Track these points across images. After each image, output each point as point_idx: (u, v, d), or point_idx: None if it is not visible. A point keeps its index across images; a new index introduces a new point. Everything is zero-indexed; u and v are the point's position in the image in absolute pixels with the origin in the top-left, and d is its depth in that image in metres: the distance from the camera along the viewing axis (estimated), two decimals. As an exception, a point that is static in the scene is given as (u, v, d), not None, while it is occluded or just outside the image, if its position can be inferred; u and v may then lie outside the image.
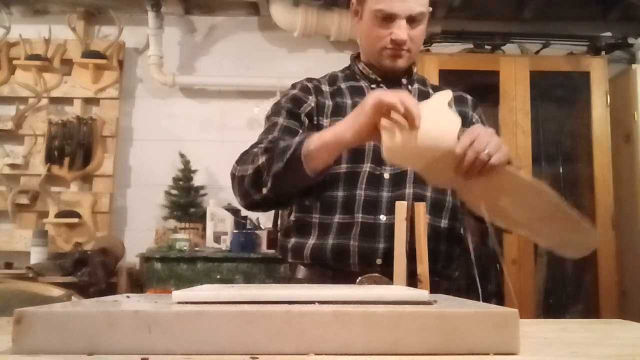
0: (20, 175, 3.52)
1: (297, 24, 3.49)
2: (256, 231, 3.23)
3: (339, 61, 1.56)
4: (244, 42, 3.75)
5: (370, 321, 0.58)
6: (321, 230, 1.25)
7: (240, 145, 1.27)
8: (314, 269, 1.26)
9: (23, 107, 3.54)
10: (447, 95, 1.05)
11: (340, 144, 1.08)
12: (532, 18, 3.69)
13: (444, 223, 1.31)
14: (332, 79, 1.41)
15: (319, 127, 1.29)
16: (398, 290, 0.77)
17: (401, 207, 1.13)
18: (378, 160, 1.26)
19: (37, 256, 3.14)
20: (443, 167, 0.99)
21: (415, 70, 1.44)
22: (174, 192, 3.50)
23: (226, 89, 3.68)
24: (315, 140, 1.10)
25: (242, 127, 3.62)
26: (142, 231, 3.52)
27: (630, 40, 3.49)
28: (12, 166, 3.51)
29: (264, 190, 1.17)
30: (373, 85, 1.37)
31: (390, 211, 1.22)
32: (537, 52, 3.44)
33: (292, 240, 1.29)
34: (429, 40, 3.35)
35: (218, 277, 3.03)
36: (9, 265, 3.20)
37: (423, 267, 1.05)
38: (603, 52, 3.39)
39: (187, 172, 3.50)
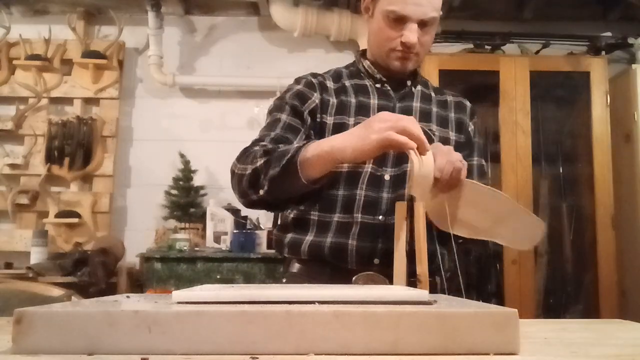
0: (20, 175, 3.52)
1: (297, 24, 3.49)
2: (256, 231, 3.23)
3: (339, 61, 1.56)
4: (244, 42, 3.75)
5: (370, 321, 0.58)
6: (320, 228, 1.25)
7: (240, 145, 1.26)
8: (311, 265, 1.26)
9: (23, 107, 3.54)
10: None
11: (337, 159, 1.07)
12: (532, 18, 3.69)
13: None
14: (336, 75, 1.39)
15: (322, 125, 1.29)
16: (398, 290, 0.77)
17: (401, 207, 1.13)
18: (379, 161, 1.26)
19: (37, 256, 3.14)
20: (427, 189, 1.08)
21: (419, 72, 1.44)
22: (174, 192, 3.50)
23: (226, 89, 3.69)
24: (312, 149, 1.08)
25: (242, 127, 3.63)
26: (142, 231, 3.52)
27: (630, 40, 3.49)
28: (12, 166, 3.51)
29: (261, 192, 1.16)
30: (377, 85, 1.36)
31: (390, 212, 1.23)
32: (537, 52, 3.44)
33: (289, 236, 1.29)
34: (429, 40, 3.34)
35: (218, 277, 3.03)
36: (9, 265, 3.20)
37: (423, 267, 1.05)
38: (603, 52, 3.39)
39: (187, 172, 3.50)
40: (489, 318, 0.59)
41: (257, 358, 0.56)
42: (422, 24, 1.26)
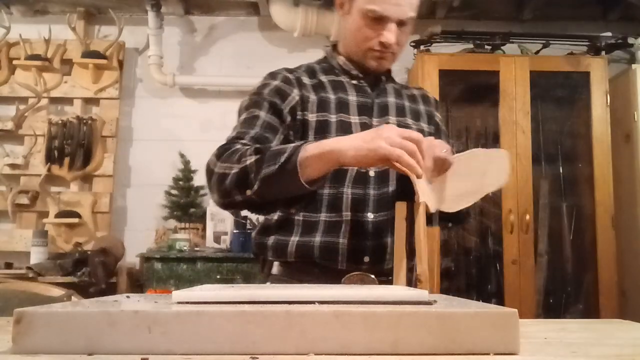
0: (20, 175, 3.52)
1: (297, 24, 3.49)
2: (256, 231, 3.22)
3: (339, 61, 1.56)
4: (244, 42, 3.75)
5: (371, 321, 0.58)
6: (306, 228, 1.23)
7: (240, 145, 1.25)
8: (297, 266, 1.23)
9: (23, 107, 3.54)
10: None
11: (338, 161, 1.05)
12: (532, 18, 3.69)
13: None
14: (310, 71, 1.36)
15: (304, 123, 1.25)
16: (398, 290, 0.77)
17: (401, 207, 1.13)
18: None
19: (37, 256, 3.14)
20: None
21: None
22: (174, 192, 3.50)
23: (226, 89, 3.68)
24: (312, 148, 1.06)
25: (242, 127, 3.62)
26: (142, 231, 3.52)
27: (630, 40, 3.49)
28: (12, 166, 3.51)
29: (248, 192, 1.11)
30: (354, 82, 1.34)
31: (378, 209, 1.23)
32: (537, 52, 3.44)
33: (273, 238, 1.25)
34: (429, 40, 3.35)
35: (218, 277, 3.03)
36: (9, 265, 3.20)
37: (423, 267, 1.05)
38: (603, 52, 3.39)
39: (187, 172, 3.50)
40: (489, 318, 0.59)
41: (257, 358, 0.56)
42: (401, 24, 1.25)
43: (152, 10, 3.49)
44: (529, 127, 3.20)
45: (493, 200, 3.28)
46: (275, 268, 1.27)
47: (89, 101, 3.65)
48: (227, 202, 1.17)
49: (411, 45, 3.43)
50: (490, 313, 0.60)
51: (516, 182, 3.15)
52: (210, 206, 3.33)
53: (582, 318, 3.17)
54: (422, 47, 3.36)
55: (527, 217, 3.12)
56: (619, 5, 3.60)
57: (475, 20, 3.73)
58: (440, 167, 1.15)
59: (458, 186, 1.20)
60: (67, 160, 3.48)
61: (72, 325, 0.57)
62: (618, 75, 3.44)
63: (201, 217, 3.40)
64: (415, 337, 0.58)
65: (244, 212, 3.33)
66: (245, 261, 3.07)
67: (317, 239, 1.21)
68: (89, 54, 3.55)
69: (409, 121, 1.35)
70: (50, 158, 3.47)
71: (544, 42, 3.41)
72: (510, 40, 3.39)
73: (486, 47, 3.37)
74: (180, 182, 3.49)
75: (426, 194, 1.09)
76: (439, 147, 1.14)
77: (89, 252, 3.14)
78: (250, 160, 1.09)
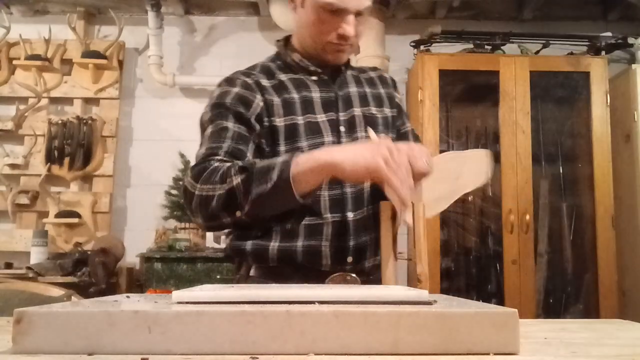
0: (20, 175, 3.52)
1: (297, 24, 3.49)
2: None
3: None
4: (244, 42, 3.75)
5: (370, 321, 0.58)
6: (286, 232, 1.18)
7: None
8: (279, 270, 1.19)
9: (23, 107, 3.54)
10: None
11: (333, 174, 1.03)
12: (532, 18, 3.70)
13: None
14: (266, 71, 1.30)
15: (272, 129, 1.20)
16: (398, 290, 0.77)
17: (385, 207, 1.13)
18: None
19: (37, 256, 3.14)
20: None
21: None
22: (174, 192, 3.50)
23: (226, 89, 3.68)
24: (305, 162, 1.02)
25: (242, 127, 3.62)
26: (142, 231, 3.52)
27: (630, 40, 3.49)
28: (12, 166, 3.51)
29: (238, 214, 1.06)
30: (314, 77, 1.29)
31: (356, 207, 1.21)
32: (537, 52, 3.44)
33: (251, 243, 1.19)
34: (429, 40, 3.35)
35: (218, 277, 3.03)
36: (9, 265, 3.20)
37: (423, 267, 1.05)
38: (603, 52, 3.39)
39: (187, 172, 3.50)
40: (489, 318, 0.59)
41: (257, 358, 0.56)
42: (358, 14, 1.21)
43: (152, 10, 3.49)
44: (529, 127, 3.21)
45: (493, 200, 3.28)
46: (254, 271, 1.23)
47: (89, 101, 3.65)
48: (213, 225, 1.14)
49: (411, 45, 3.43)
50: (490, 313, 0.60)
51: (516, 182, 3.15)
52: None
53: (582, 318, 3.17)
54: (422, 47, 3.36)
55: (527, 217, 3.12)
56: (619, 5, 3.60)
57: (475, 20, 3.73)
58: (419, 178, 1.11)
59: (433, 189, 1.18)
60: (67, 160, 3.48)
61: (72, 325, 0.57)
62: (618, 75, 3.44)
63: (201, 217, 3.40)
64: (415, 337, 0.58)
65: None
66: (245, 261, 3.06)
67: (300, 243, 1.18)
68: (89, 54, 3.55)
69: (373, 110, 1.31)
70: (50, 158, 3.47)
71: (544, 42, 3.42)
72: (510, 40, 3.39)
73: (486, 47, 3.37)
74: (180, 182, 3.49)
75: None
76: (420, 160, 1.09)
77: (89, 252, 3.14)
78: (237, 180, 1.05)
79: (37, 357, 0.55)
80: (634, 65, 3.32)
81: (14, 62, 3.57)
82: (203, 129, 1.22)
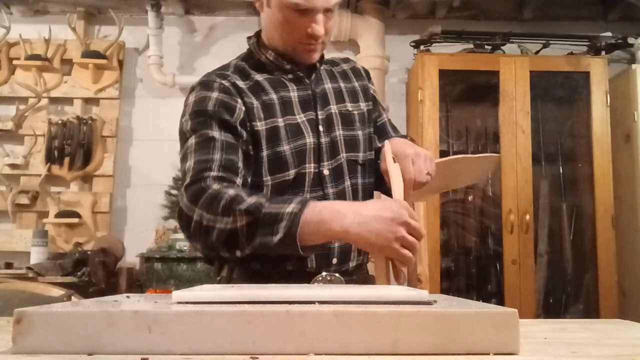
0: (20, 175, 3.52)
1: (297, 24, 3.49)
2: (256, 231, 3.23)
3: (340, 61, 1.55)
4: (244, 42, 3.72)
5: (370, 321, 0.58)
6: None
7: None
8: (264, 271, 1.16)
9: (23, 107, 3.54)
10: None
11: (340, 238, 1.03)
12: (532, 18, 3.70)
13: None
14: (239, 71, 1.27)
15: (254, 134, 1.17)
16: (398, 290, 0.77)
17: None
18: (316, 156, 1.20)
19: (37, 256, 3.14)
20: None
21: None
22: (174, 192, 3.50)
23: (226, 89, 3.68)
24: (314, 221, 0.99)
25: (242, 127, 3.62)
26: (142, 231, 3.52)
27: (630, 40, 3.49)
28: (12, 166, 3.51)
29: (238, 253, 1.04)
30: (290, 75, 1.26)
31: None
32: (537, 52, 3.44)
33: None
34: (429, 40, 3.35)
35: (218, 277, 3.02)
36: (9, 265, 3.20)
37: (423, 267, 1.05)
38: (603, 52, 3.39)
39: (187, 172, 3.50)
40: (489, 318, 0.59)
41: (257, 358, 0.56)
42: (326, 11, 1.18)
43: (152, 10, 3.49)
44: (529, 127, 3.21)
45: (493, 200, 3.28)
46: (237, 273, 1.21)
47: (89, 101, 3.65)
48: (212, 255, 1.13)
49: (411, 45, 3.43)
50: (490, 313, 0.60)
51: (516, 182, 3.15)
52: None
53: (582, 318, 3.17)
54: (422, 47, 3.36)
55: (527, 217, 3.12)
56: (619, 5, 3.60)
57: (475, 20, 3.73)
58: (420, 187, 1.14)
59: (431, 184, 1.19)
60: (67, 160, 3.48)
61: (72, 325, 0.57)
62: (618, 75, 3.44)
63: (201, 217, 3.40)
64: (415, 337, 0.58)
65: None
66: (245, 261, 3.06)
67: None
68: (89, 54, 3.55)
69: (349, 106, 1.30)
70: (50, 158, 3.48)
71: (544, 42, 3.41)
72: (510, 40, 3.39)
73: (486, 47, 3.37)
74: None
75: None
76: (423, 174, 1.12)
77: (89, 252, 3.14)
78: (241, 222, 1.01)
79: (37, 357, 0.55)
80: (634, 65, 3.32)
81: (14, 62, 3.57)
82: (184, 139, 1.18)
